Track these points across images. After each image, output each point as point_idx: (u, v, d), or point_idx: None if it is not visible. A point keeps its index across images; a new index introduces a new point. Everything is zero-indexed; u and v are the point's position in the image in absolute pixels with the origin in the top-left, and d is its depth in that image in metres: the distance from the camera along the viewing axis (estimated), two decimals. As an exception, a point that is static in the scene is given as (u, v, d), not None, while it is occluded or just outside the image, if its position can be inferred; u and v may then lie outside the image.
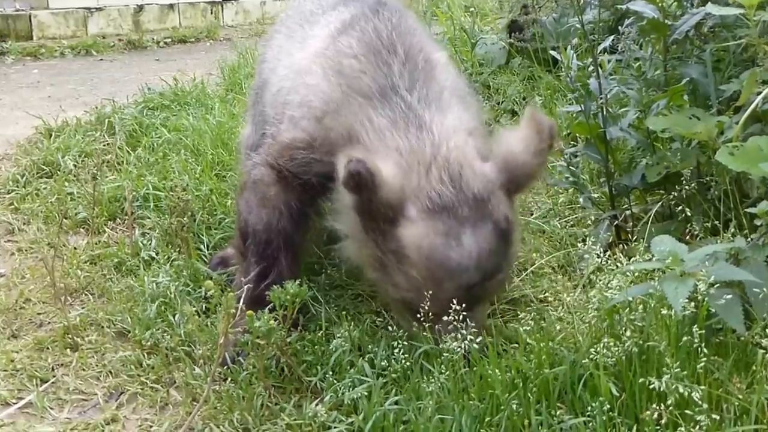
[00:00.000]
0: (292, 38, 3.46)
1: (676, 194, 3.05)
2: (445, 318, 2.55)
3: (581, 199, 3.89)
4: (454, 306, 2.51)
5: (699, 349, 2.23)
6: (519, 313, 3.09)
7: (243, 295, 2.71)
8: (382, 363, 2.68)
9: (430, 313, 2.58)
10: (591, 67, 3.48)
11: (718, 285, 2.27)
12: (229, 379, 2.79)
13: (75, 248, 3.91)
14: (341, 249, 2.94)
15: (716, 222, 2.90)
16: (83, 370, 3.00)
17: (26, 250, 3.99)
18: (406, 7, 3.27)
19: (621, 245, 3.31)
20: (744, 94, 2.89)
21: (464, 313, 2.52)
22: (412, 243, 2.61)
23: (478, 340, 2.52)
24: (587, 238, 2.93)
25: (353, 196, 2.64)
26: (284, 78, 3.28)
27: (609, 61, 3.62)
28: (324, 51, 3.11)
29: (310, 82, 3.06)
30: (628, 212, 3.53)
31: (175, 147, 4.99)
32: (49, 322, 3.32)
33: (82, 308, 3.39)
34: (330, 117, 2.91)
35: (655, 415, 2.16)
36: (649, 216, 3.28)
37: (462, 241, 2.59)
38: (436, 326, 2.61)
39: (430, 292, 2.58)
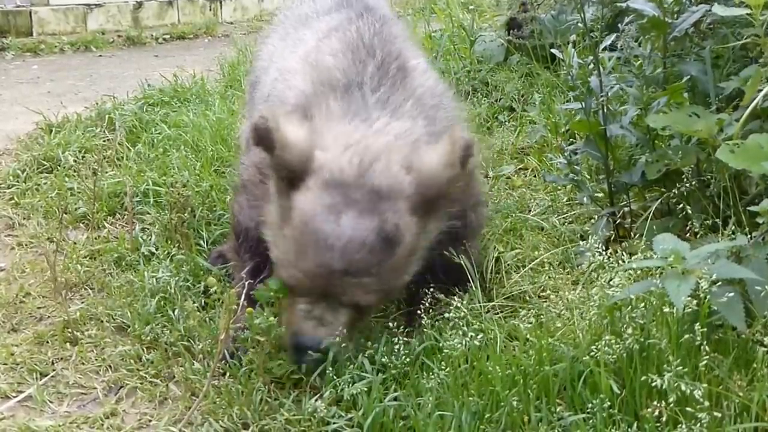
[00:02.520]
0: (285, 40, 3.52)
1: (675, 191, 3.05)
2: (301, 304, 2.63)
3: (580, 196, 3.89)
4: (314, 293, 2.61)
5: (700, 346, 2.24)
6: (519, 309, 3.10)
7: (240, 292, 2.74)
8: (382, 359, 2.68)
9: (293, 291, 2.66)
10: (591, 65, 3.48)
11: (719, 283, 2.28)
12: (228, 374, 2.79)
13: (75, 243, 3.90)
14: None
15: (715, 219, 2.90)
16: (83, 364, 3.00)
17: (26, 245, 3.99)
18: (392, 15, 3.29)
19: (620, 242, 3.32)
20: (748, 93, 2.89)
21: (325, 310, 2.62)
22: (298, 206, 2.65)
23: (328, 344, 2.61)
24: (588, 236, 2.93)
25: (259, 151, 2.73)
26: (275, 80, 3.37)
27: (609, 59, 3.62)
28: (308, 53, 3.20)
29: (291, 80, 3.16)
30: (627, 209, 3.53)
31: (174, 143, 4.99)
32: (49, 317, 3.33)
33: (82, 303, 3.40)
34: (300, 110, 2.95)
35: (656, 413, 2.16)
36: (649, 213, 3.28)
37: (340, 220, 2.58)
38: (296, 305, 2.67)
39: (296, 258, 2.63)
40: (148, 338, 3.08)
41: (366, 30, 3.07)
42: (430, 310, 2.83)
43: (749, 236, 2.59)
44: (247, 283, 2.99)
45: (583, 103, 3.51)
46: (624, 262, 2.60)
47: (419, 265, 2.86)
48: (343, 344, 2.63)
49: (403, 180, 2.66)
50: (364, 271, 2.58)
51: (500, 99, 5.73)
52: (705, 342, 2.24)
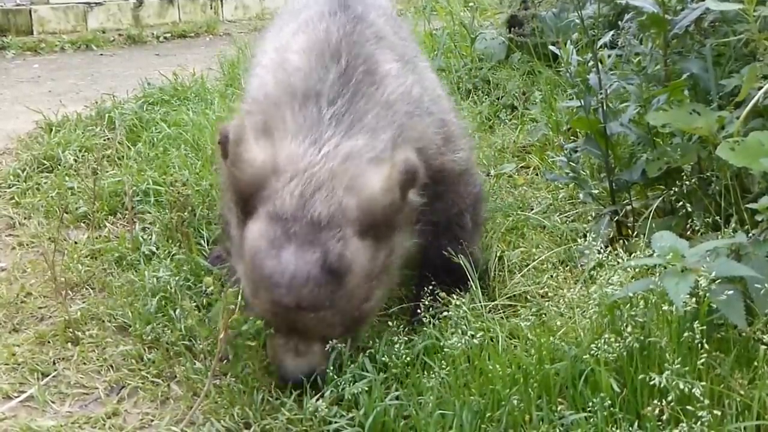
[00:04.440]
0: (277, 35, 3.47)
1: (676, 189, 3.05)
2: (279, 339, 2.65)
3: (582, 195, 3.89)
4: (281, 324, 2.62)
5: (700, 344, 2.24)
6: (520, 308, 3.10)
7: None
8: (383, 358, 2.68)
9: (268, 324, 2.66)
10: (591, 63, 3.48)
11: (719, 281, 2.28)
12: (230, 373, 2.79)
13: (75, 243, 3.91)
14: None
15: (717, 217, 2.90)
16: (84, 364, 3.01)
17: (27, 245, 3.99)
18: (380, 12, 3.22)
19: (622, 240, 3.31)
20: (744, 89, 2.89)
21: (299, 342, 2.63)
22: (247, 239, 2.64)
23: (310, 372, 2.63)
24: (588, 234, 2.93)
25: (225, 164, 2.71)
26: (254, 75, 3.32)
27: (609, 57, 3.62)
28: (279, 48, 3.12)
29: (263, 77, 3.09)
30: (628, 207, 3.53)
31: (175, 142, 4.98)
32: (50, 316, 3.33)
33: (83, 302, 3.39)
34: (261, 119, 2.90)
35: (657, 411, 2.17)
36: (650, 211, 3.28)
37: (281, 256, 2.53)
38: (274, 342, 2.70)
39: (252, 295, 2.64)
40: (150, 338, 3.08)
41: (335, 30, 2.95)
42: (431, 308, 2.83)
43: (750, 234, 2.58)
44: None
45: (583, 101, 3.51)
46: (624, 260, 2.60)
47: (391, 283, 2.86)
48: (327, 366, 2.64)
49: (346, 206, 2.59)
50: (317, 305, 2.54)
51: (501, 97, 5.72)
52: (705, 340, 2.24)
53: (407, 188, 2.62)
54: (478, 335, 2.61)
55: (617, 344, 2.36)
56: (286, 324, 2.61)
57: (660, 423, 2.19)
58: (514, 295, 3.25)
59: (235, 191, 2.73)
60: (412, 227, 2.88)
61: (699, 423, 2.10)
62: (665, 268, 2.36)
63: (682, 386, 2.16)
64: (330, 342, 2.63)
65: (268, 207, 2.61)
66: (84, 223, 4.20)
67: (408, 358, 2.66)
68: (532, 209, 4.02)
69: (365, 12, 3.10)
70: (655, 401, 2.19)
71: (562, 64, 3.66)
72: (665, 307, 2.33)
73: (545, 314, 2.85)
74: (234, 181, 2.69)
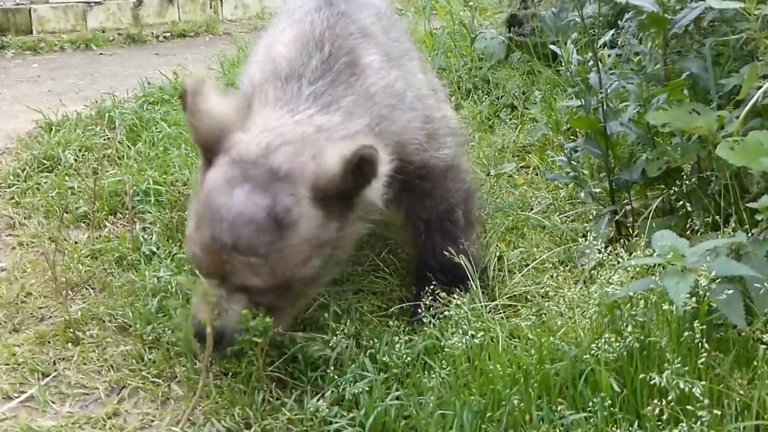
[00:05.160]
0: (269, 34, 3.51)
1: (676, 189, 3.05)
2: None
3: (582, 194, 3.90)
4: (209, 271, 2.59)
5: (700, 344, 2.24)
6: (520, 308, 3.10)
7: None
8: (384, 358, 2.69)
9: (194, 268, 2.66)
10: (591, 62, 3.48)
11: (719, 280, 2.28)
12: (231, 373, 2.79)
13: (76, 242, 3.90)
14: None
15: (716, 217, 2.90)
16: (84, 364, 3.01)
17: (27, 245, 3.98)
18: (357, 10, 3.25)
19: (622, 240, 3.32)
20: (744, 88, 2.89)
21: (221, 292, 2.57)
22: (207, 178, 2.67)
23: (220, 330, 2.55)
24: (588, 234, 2.93)
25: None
26: (245, 72, 3.41)
27: (609, 56, 3.62)
28: (268, 44, 3.23)
29: (249, 71, 3.23)
30: (628, 207, 3.53)
31: (175, 141, 4.99)
32: (50, 317, 3.33)
33: (83, 302, 3.39)
34: (245, 99, 2.96)
35: (656, 411, 2.17)
36: (650, 211, 3.28)
37: (232, 194, 2.57)
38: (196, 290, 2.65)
39: (194, 232, 2.63)
40: (150, 338, 3.08)
41: (319, 23, 3.04)
42: (431, 308, 2.83)
43: (749, 233, 2.59)
44: None
45: (583, 101, 3.52)
46: (624, 260, 2.61)
47: (332, 268, 2.82)
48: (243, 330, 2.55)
49: (306, 168, 2.61)
50: (251, 249, 2.53)
51: (501, 97, 5.72)
52: (705, 340, 2.24)
53: (361, 174, 2.61)
54: (478, 335, 2.61)
55: (617, 344, 2.36)
56: (214, 268, 2.57)
57: (660, 423, 2.19)
58: (515, 295, 3.25)
59: (195, 140, 2.80)
60: (363, 219, 2.87)
61: (699, 423, 2.10)
62: (664, 267, 2.36)
63: (682, 386, 2.16)
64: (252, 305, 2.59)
65: (231, 154, 2.66)
66: (84, 222, 4.19)
67: (408, 358, 2.67)
68: (532, 209, 4.03)
69: (349, 9, 3.17)
70: (655, 401, 2.19)
71: (562, 64, 3.66)
72: (665, 307, 2.33)
73: (545, 314, 2.85)
74: (192, 130, 2.76)
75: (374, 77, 2.99)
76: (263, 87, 2.92)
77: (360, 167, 2.57)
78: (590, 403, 2.32)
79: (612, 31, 3.62)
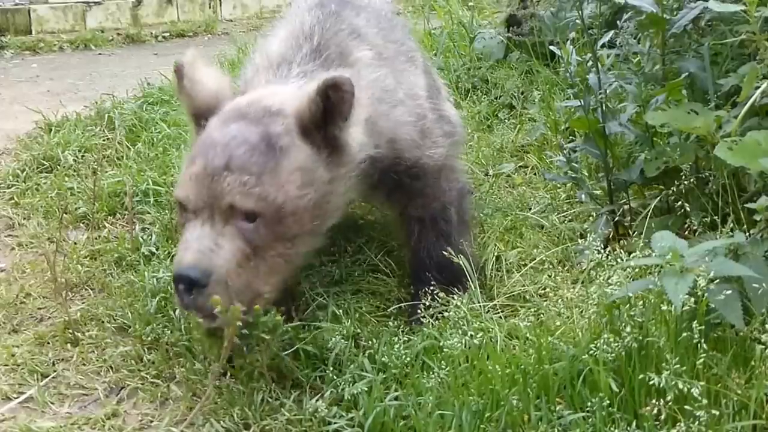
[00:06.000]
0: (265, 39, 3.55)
1: (674, 189, 3.05)
2: (187, 234, 2.59)
3: (580, 195, 3.90)
4: (199, 203, 2.58)
5: (698, 344, 2.24)
6: (518, 308, 3.11)
7: None
8: (383, 359, 2.69)
9: (183, 210, 2.66)
10: (590, 62, 3.48)
11: (717, 280, 2.28)
12: (230, 374, 2.80)
13: (75, 243, 3.91)
14: None
15: (714, 217, 2.90)
16: (84, 364, 3.01)
17: (27, 245, 3.99)
18: (348, 10, 3.29)
19: (620, 240, 3.32)
20: (745, 89, 2.89)
21: (212, 229, 2.55)
22: (206, 127, 2.76)
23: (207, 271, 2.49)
24: (586, 234, 2.94)
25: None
26: (242, 75, 3.47)
27: (608, 56, 3.62)
28: (261, 45, 3.34)
29: (245, 72, 3.31)
30: (626, 207, 3.53)
31: (175, 142, 4.99)
32: (49, 317, 3.33)
33: (83, 303, 3.40)
34: (246, 87, 3.10)
35: (655, 411, 2.17)
36: (648, 211, 3.28)
37: (228, 126, 2.67)
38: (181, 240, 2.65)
39: (187, 168, 2.67)
40: (149, 338, 3.08)
41: (309, 20, 3.13)
42: (430, 308, 2.84)
43: (747, 233, 2.59)
44: None
45: (581, 101, 3.52)
46: (622, 260, 2.61)
47: (324, 219, 2.78)
48: (232, 284, 2.51)
49: (293, 104, 2.71)
50: (244, 167, 2.55)
51: (500, 96, 5.71)
52: (703, 340, 2.25)
53: (330, 101, 2.66)
54: (477, 335, 2.61)
55: (616, 344, 2.36)
56: (204, 197, 2.56)
57: (658, 423, 2.20)
58: (513, 295, 3.26)
59: (189, 109, 2.89)
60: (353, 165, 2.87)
61: (696, 422, 2.11)
62: (663, 268, 2.36)
63: (680, 386, 2.17)
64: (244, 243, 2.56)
65: (222, 113, 2.77)
66: (83, 223, 4.20)
67: (407, 359, 2.67)
68: (531, 209, 4.03)
69: (340, 9, 3.24)
70: (653, 401, 2.19)
71: (561, 64, 3.66)
72: (664, 307, 2.34)
73: (544, 314, 2.86)
74: (187, 98, 2.86)
75: (364, 71, 3.03)
76: (255, 77, 3.08)
77: (328, 95, 2.65)
78: (588, 403, 2.33)
79: (611, 32, 3.62)
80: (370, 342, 2.85)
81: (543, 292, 3.12)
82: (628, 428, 2.23)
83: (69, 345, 3.11)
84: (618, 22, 3.56)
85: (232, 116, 2.71)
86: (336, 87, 2.62)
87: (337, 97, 2.64)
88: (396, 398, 2.53)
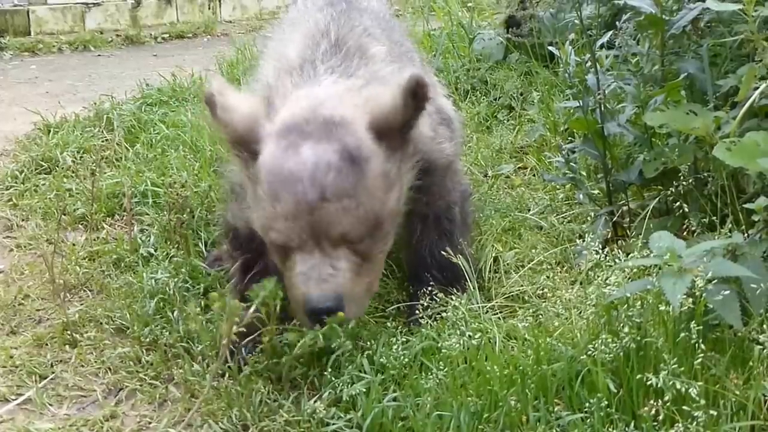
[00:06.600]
0: (276, 45, 3.54)
1: (673, 190, 3.05)
2: (299, 268, 2.58)
3: (579, 195, 3.90)
4: (303, 238, 2.55)
5: (696, 345, 2.25)
6: (517, 309, 3.11)
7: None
8: (381, 359, 2.69)
9: (284, 248, 2.62)
10: (589, 63, 3.48)
11: (715, 281, 2.28)
12: (228, 375, 2.80)
13: (74, 244, 3.90)
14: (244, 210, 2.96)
15: (713, 217, 2.90)
16: (82, 366, 3.01)
17: (25, 247, 3.99)
18: (356, 11, 3.31)
19: (618, 241, 3.32)
20: (743, 90, 2.89)
21: (321, 262, 2.55)
22: (262, 162, 2.64)
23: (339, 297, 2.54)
24: (585, 234, 2.93)
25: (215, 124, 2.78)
26: (257, 80, 3.44)
27: (606, 57, 3.62)
28: (274, 48, 3.36)
29: (260, 76, 3.29)
30: (625, 208, 3.53)
31: (173, 143, 4.99)
32: (48, 319, 3.33)
33: (81, 304, 3.40)
34: (264, 100, 2.98)
35: (653, 411, 2.17)
36: (647, 212, 3.28)
37: (299, 153, 2.55)
38: (294, 273, 2.61)
39: (273, 207, 2.58)
40: (148, 340, 3.08)
41: (322, 19, 3.13)
42: (429, 308, 2.84)
43: (746, 234, 2.59)
44: (237, 279, 3.08)
45: (580, 102, 3.52)
46: (621, 261, 2.61)
47: (401, 207, 2.83)
48: (356, 296, 2.61)
49: (355, 111, 2.67)
50: (341, 193, 2.52)
51: (499, 97, 5.71)
52: (701, 340, 2.25)
53: (417, 99, 2.66)
54: (475, 336, 2.61)
55: (614, 345, 2.36)
56: (309, 229, 2.54)
57: (656, 423, 2.20)
58: (511, 296, 3.26)
59: (229, 137, 2.77)
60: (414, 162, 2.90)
61: (695, 423, 2.11)
62: (661, 268, 2.36)
63: (678, 386, 2.17)
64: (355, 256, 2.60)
65: (275, 127, 2.67)
66: (82, 224, 4.20)
67: (406, 360, 2.67)
68: (530, 210, 4.03)
69: (350, 8, 3.26)
70: (652, 401, 2.19)
71: (560, 65, 3.66)
72: (662, 308, 2.33)
73: (542, 315, 2.86)
74: (224, 127, 2.74)
75: (381, 63, 3.04)
76: (279, 81, 2.98)
77: (416, 92, 2.63)
78: (587, 404, 2.32)
79: (610, 33, 3.61)
80: (368, 343, 2.85)
81: (541, 292, 3.12)
82: (627, 429, 2.23)
83: (67, 346, 3.11)
84: (617, 23, 3.56)
85: (296, 138, 2.60)
86: (421, 84, 2.62)
87: (423, 94, 2.64)
88: (394, 399, 2.53)
